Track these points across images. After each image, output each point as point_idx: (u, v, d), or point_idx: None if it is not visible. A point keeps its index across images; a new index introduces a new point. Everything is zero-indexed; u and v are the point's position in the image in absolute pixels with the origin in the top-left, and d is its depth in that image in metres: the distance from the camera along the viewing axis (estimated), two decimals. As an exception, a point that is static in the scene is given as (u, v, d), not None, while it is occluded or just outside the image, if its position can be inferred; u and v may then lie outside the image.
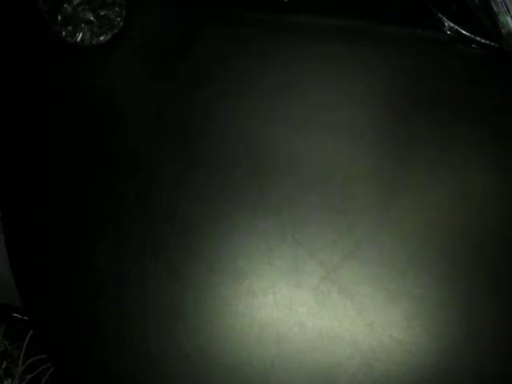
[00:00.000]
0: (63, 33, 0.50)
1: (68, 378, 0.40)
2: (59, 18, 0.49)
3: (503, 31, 0.48)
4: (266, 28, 0.52)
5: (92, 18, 0.50)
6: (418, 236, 0.42)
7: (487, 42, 0.49)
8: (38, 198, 0.45)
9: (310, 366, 0.38)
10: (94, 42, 0.51)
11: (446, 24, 0.51)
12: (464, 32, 0.50)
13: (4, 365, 0.86)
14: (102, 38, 0.51)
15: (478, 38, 0.50)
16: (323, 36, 0.51)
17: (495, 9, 0.49)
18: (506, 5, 0.48)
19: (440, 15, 0.51)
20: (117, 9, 0.51)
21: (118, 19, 0.51)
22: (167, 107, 0.48)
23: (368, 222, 0.43)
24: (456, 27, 0.50)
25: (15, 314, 0.89)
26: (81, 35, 0.50)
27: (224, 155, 0.46)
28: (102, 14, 0.50)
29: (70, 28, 0.50)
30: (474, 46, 0.50)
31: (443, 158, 0.45)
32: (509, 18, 0.48)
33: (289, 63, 0.50)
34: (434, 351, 0.38)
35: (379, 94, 0.48)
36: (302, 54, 0.50)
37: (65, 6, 0.48)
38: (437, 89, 0.48)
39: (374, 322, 0.39)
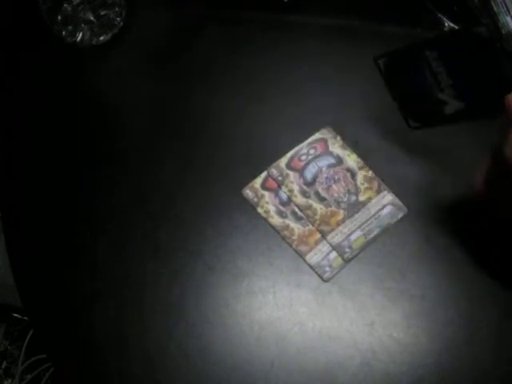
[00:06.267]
0: (63, 33, 0.50)
1: (68, 378, 0.40)
2: (59, 17, 0.49)
3: (503, 31, 0.48)
4: (266, 28, 0.52)
5: (92, 18, 0.50)
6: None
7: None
8: (38, 199, 0.45)
9: (310, 366, 0.38)
10: (94, 42, 0.51)
11: (446, 24, 0.51)
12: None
13: (4, 365, 0.86)
14: (101, 38, 0.51)
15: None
16: (323, 36, 0.51)
17: (495, 9, 0.49)
18: (505, 5, 0.48)
19: (440, 15, 0.51)
20: (117, 9, 0.51)
21: (118, 19, 0.51)
22: (167, 107, 0.48)
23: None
24: (456, 27, 0.50)
25: (15, 314, 0.89)
26: (81, 35, 0.50)
27: (224, 155, 0.46)
28: (102, 13, 0.50)
29: (69, 28, 0.50)
30: (474, 46, 0.50)
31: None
32: (509, 18, 0.48)
33: (289, 63, 0.50)
34: (434, 351, 0.38)
35: (379, 94, 0.48)
36: (302, 54, 0.50)
37: (65, 5, 0.48)
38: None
39: (374, 322, 0.39)
